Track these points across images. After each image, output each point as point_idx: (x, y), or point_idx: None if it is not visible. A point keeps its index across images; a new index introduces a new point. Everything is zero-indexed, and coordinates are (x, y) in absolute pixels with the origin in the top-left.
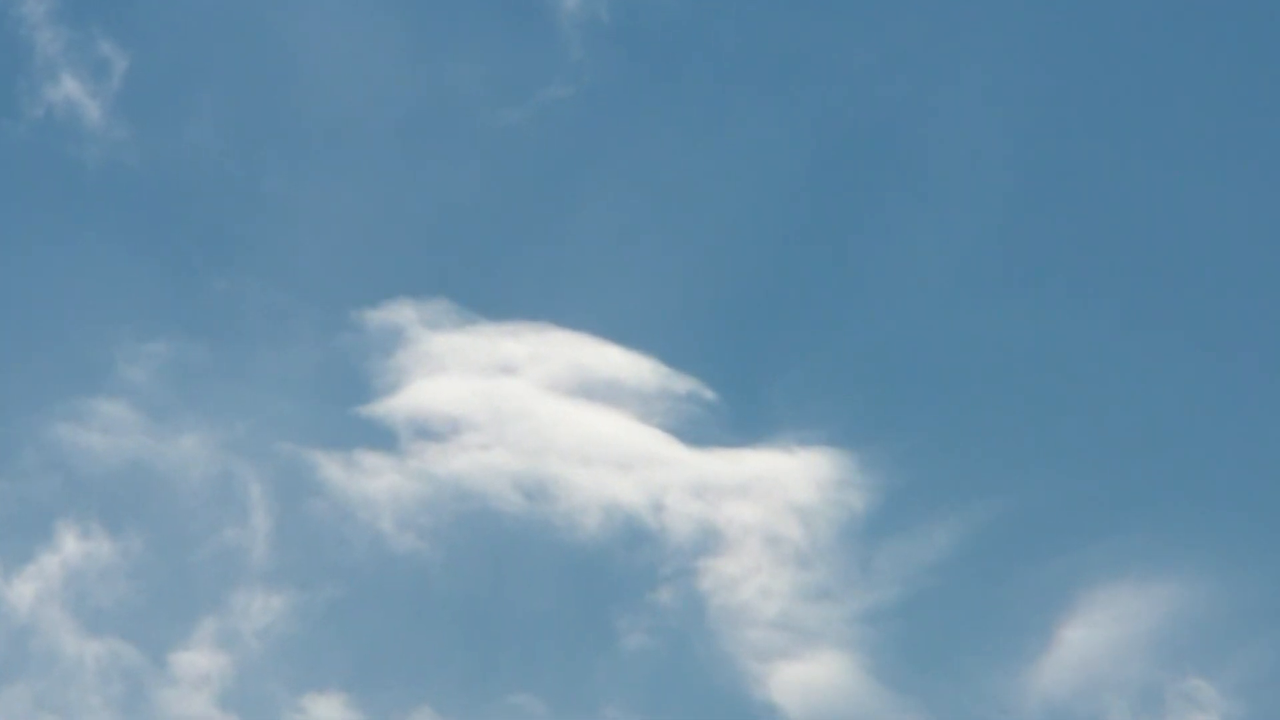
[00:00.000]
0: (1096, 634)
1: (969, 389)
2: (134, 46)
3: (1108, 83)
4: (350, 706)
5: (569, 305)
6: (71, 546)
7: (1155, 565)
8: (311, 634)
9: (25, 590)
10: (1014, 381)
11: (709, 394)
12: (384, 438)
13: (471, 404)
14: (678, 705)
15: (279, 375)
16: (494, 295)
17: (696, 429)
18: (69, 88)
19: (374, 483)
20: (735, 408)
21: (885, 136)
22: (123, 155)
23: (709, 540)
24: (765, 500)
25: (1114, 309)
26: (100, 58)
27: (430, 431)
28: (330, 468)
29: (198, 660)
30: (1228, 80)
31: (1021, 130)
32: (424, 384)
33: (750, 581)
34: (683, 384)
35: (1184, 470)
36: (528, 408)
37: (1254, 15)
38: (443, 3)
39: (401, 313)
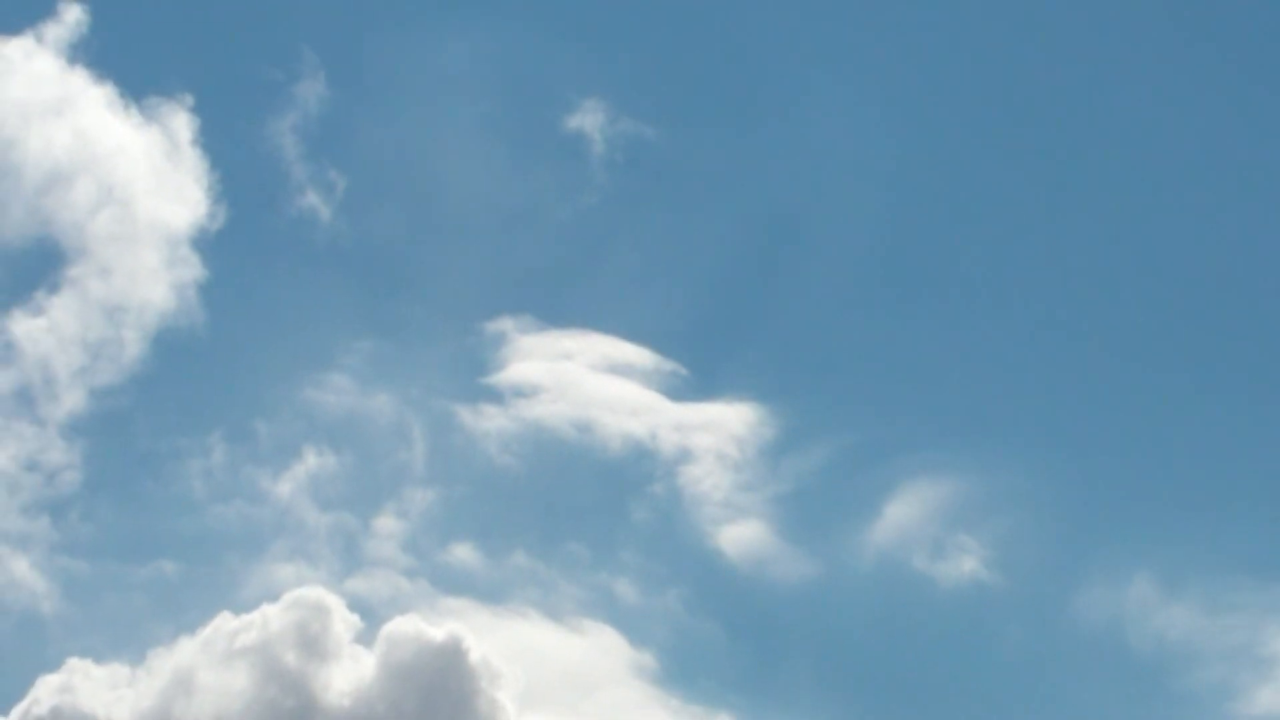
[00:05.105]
0: (908, 509)
1: (837, 371)
2: (349, 174)
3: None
4: (475, 550)
5: (602, 319)
6: (312, 461)
7: (945, 468)
8: (451, 511)
9: (285, 486)
10: (864, 366)
11: (684, 371)
12: (494, 397)
13: (545, 378)
14: (664, 551)
15: (433, 360)
16: (558, 314)
17: (677, 391)
18: (310, 199)
19: (489, 424)
20: (699, 379)
21: (794, 221)
22: (342, 240)
23: (683, 457)
24: (716, 433)
25: (933, 319)
26: (328, 181)
27: (522, 394)
28: (463, 415)
29: (388, 524)
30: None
31: (883, 210)
32: (518, 366)
33: (707, 480)
34: (668, 365)
35: (964, 412)
36: (578, 380)
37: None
38: (527, 144)
39: (504, 324)
